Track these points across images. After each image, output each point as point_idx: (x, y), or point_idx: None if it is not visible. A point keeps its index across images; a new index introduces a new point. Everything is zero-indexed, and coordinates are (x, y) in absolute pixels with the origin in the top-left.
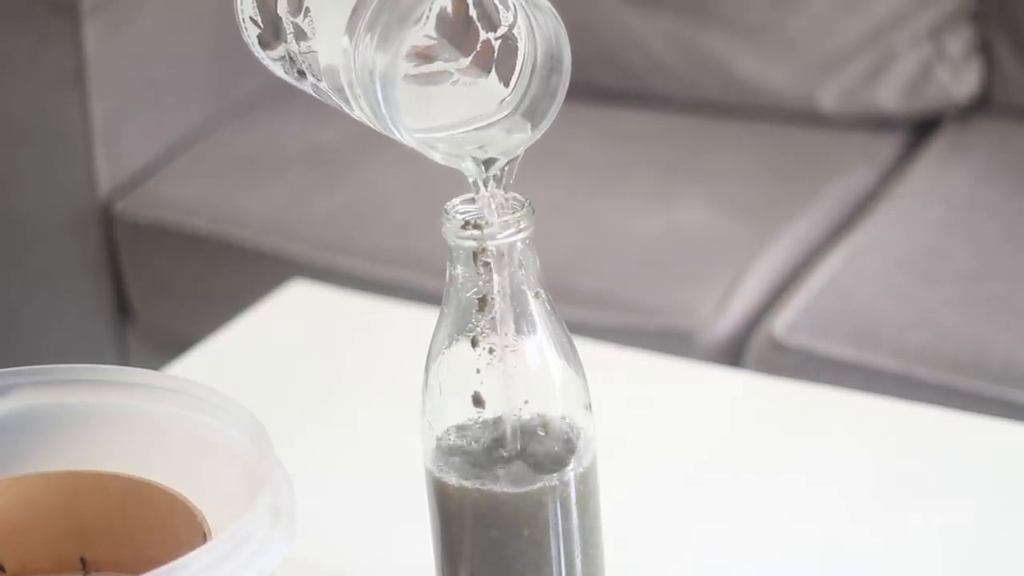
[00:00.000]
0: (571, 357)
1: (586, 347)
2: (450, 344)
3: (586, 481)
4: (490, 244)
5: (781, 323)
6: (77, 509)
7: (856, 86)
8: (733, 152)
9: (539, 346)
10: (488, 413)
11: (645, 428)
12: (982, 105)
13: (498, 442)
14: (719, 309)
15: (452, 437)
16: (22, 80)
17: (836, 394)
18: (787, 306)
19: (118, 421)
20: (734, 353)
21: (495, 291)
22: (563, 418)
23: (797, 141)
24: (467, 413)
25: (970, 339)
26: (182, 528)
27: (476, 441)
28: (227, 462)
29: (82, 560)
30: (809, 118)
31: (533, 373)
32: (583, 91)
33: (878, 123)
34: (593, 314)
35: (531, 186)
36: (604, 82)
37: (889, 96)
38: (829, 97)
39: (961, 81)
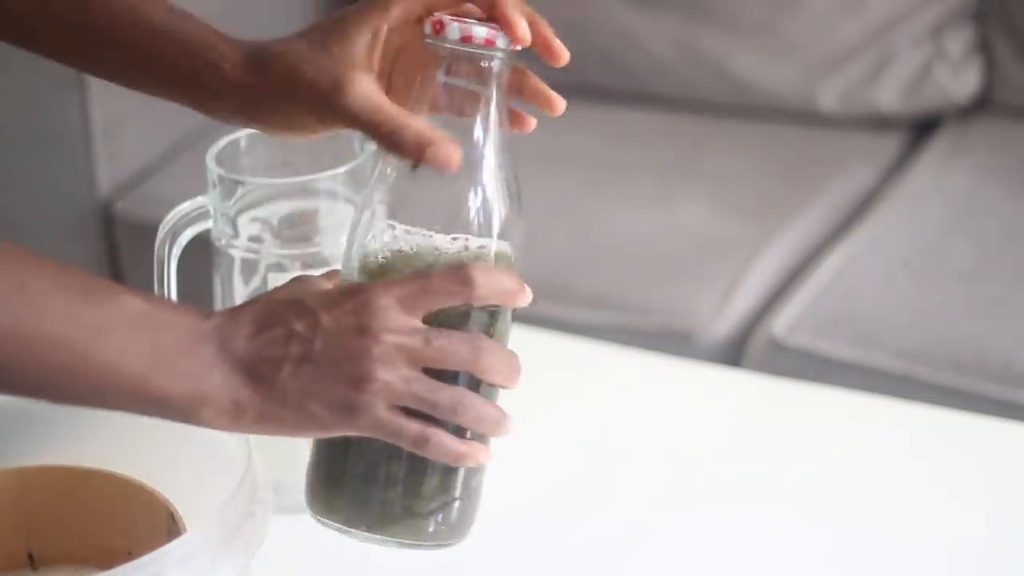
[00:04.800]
0: (515, 196)
1: (586, 347)
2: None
3: (494, 317)
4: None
5: (781, 323)
6: (24, 505)
7: (856, 86)
8: (733, 152)
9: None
10: (416, 233)
11: (645, 428)
12: (982, 105)
13: (421, 258)
14: (719, 309)
15: (377, 257)
16: (22, 80)
17: (836, 394)
18: (787, 306)
19: (105, 416)
20: (734, 353)
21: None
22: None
23: (797, 141)
24: (393, 234)
25: (971, 339)
26: (141, 512)
27: (400, 256)
28: (205, 454)
29: (30, 556)
30: (809, 118)
31: (474, 198)
32: (583, 91)
33: (878, 123)
34: (593, 314)
35: (530, 185)
36: (604, 82)
37: (889, 96)
38: (829, 97)
39: (961, 81)
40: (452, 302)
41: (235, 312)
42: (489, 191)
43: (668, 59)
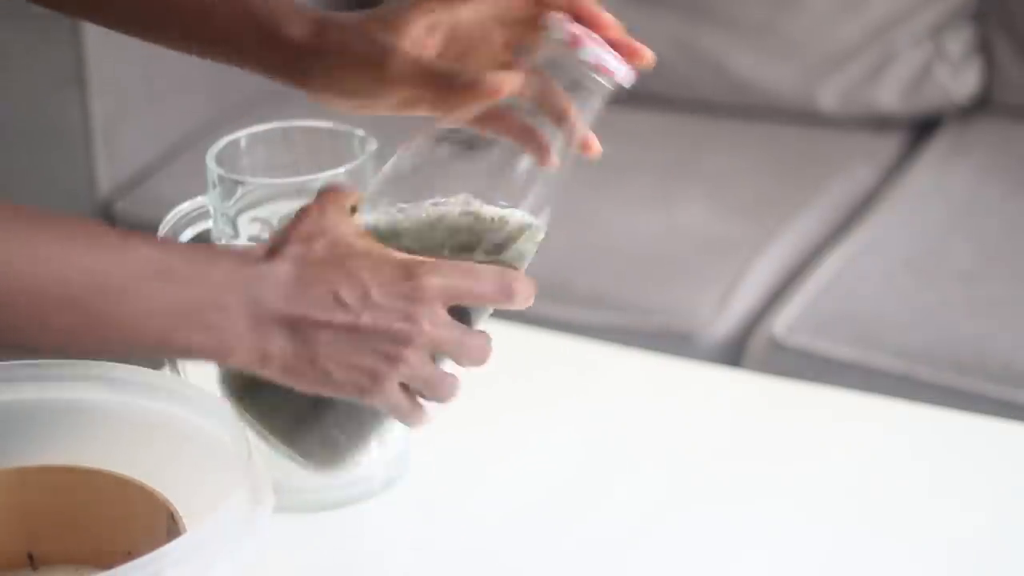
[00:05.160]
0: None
1: (586, 347)
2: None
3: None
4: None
5: (781, 323)
6: (24, 505)
7: (856, 86)
8: (733, 152)
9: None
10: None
11: (645, 428)
12: (982, 105)
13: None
14: (719, 309)
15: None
16: (22, 80)
17: (836, 394)
18: (787, 306)
19: (104, 416)
20: (734, 353)
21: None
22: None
23: (797, 141)
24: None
25: (971, 339)
26: (141, 513)
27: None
28: (207, 455)
29: (29, 556)
30: (809, 118)
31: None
32: None
33: (878, 123)
34: (592, 314)
35: None
36: None
37: (889, 96)
38: (829, 97)
39: (961, 81)
40: (490, 305)
41: (272, 265)
42: (547, 187)
43: (668, 59)
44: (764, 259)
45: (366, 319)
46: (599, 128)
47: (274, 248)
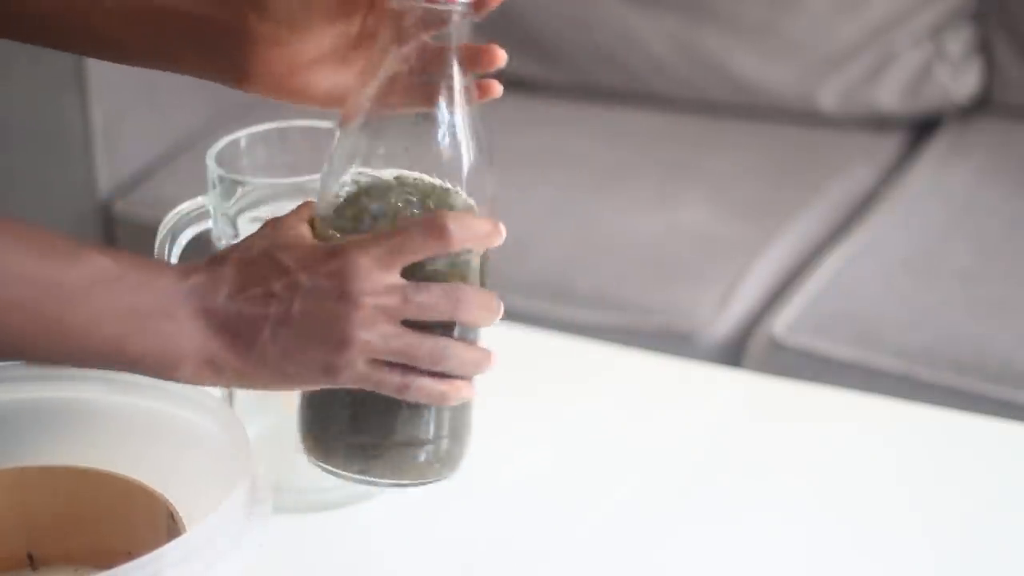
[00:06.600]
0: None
1: (586, 347)
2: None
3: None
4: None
5: (781, 323)
6: (23, 505)
7: (856, 86)
8: (733, 152)
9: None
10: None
11: (645, 428)
12: (982, 105)
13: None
14: (719, 309)
15: (342, 193)
16: (22, 80)
17: (836, 394)
18: (787, 306)
19: (104, 416)
20: (734, 353)
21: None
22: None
23: (797, 141)
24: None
25: (970, 339)
26: (141, 513)
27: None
28: (207, 455)
29: (29, 556)
30: (809, 118)
31: (446, 148)
32: (583, 91)
33: (878, 123)
34: (593, 314)
35: (530, 186)
36: (604, 82)
37: (889, 96)
38: (829, 97)
39: (961, 81)
40: (429, 255)
41: (214, 270)
42: (455, 138)
43: (668, 59)
44: (764, 259)
45: (297, 306)
46: (601, 128)
47: (219, 255)
